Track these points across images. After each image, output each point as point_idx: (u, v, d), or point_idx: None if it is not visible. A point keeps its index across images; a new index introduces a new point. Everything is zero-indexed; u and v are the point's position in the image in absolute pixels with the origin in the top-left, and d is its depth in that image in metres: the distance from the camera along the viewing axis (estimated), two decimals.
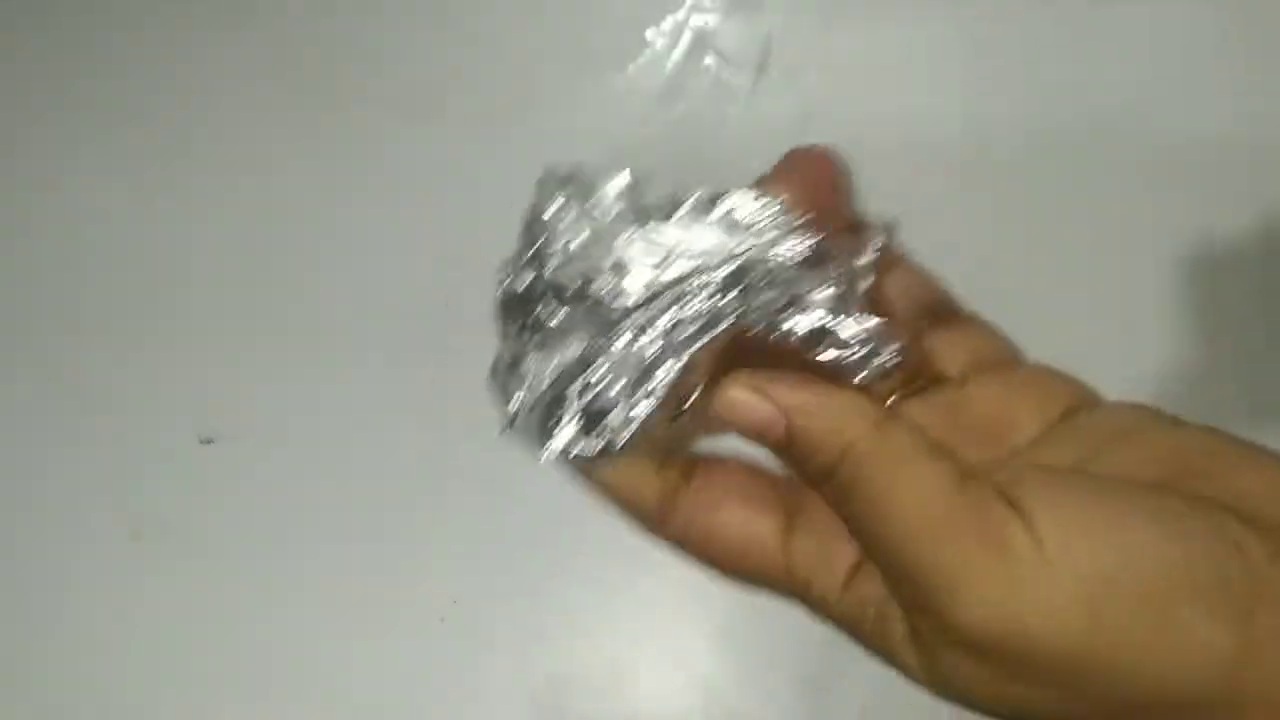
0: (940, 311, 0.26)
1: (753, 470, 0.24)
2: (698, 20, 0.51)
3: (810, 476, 0.22)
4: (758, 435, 0.21)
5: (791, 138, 0.53)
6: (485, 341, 0.50)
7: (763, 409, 0.21)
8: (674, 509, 0.24)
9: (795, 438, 0.21)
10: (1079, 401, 0.24)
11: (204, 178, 0.50)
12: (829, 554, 0.23)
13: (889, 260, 0.24)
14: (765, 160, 0.54)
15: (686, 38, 0.51)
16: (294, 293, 0.49)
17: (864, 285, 0.22)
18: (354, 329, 0.48)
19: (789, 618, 0.45)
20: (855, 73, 0.50)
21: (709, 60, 0.50)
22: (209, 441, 0.47)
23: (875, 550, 0.21)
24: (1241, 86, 0.49)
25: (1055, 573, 0.19)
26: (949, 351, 0.25)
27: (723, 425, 0.22)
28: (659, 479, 0.24)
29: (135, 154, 0.51)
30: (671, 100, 0.50)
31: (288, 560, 0.46)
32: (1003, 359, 0.26)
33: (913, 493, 0.20)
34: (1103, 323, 0.45)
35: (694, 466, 0.24)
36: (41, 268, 0.50)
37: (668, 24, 0.51)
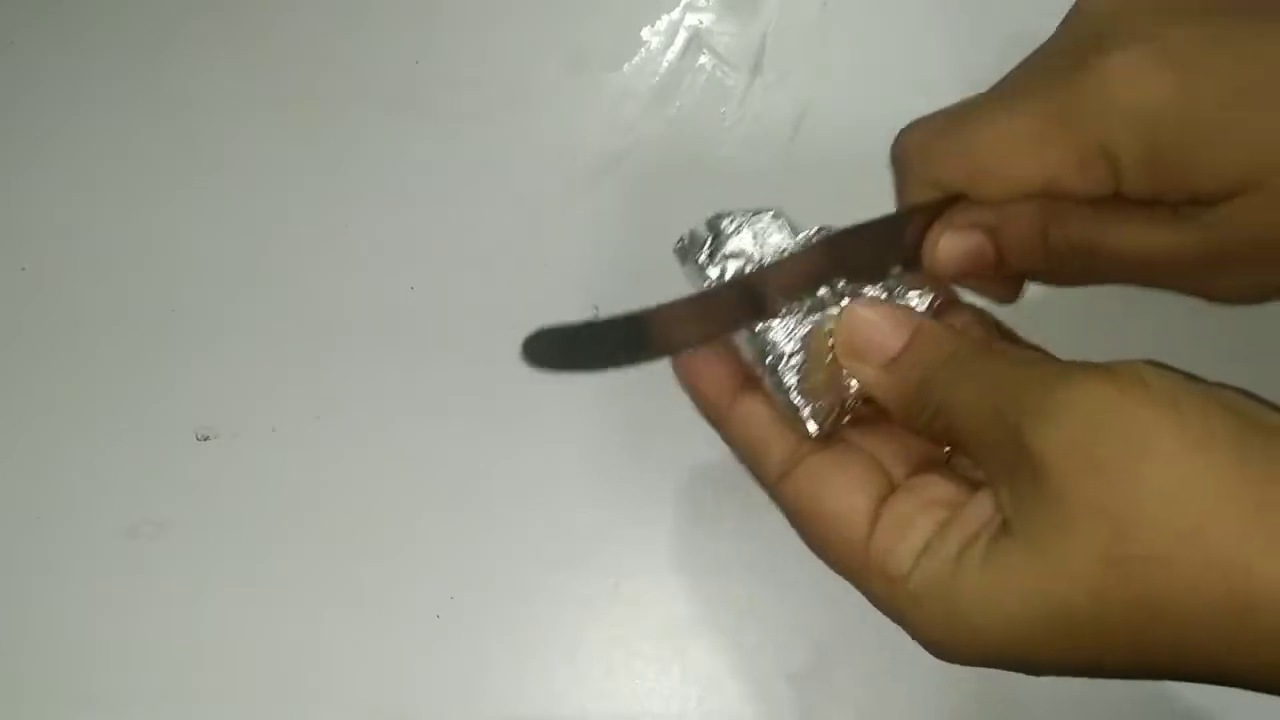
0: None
1: (871, 455, 0.27)
2: (692, 19, 0.51)
3: None
4: None
5: (786, 137, 0.53)
6: (485, 339, 0.50)
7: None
8: (791, 475, 0.26)
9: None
10: None
11: (202, 177, 0.51)
12: (915, 518, 0.24)
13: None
14: (759, 159, 0.54)
15: (681, 37, 0.51)
16: (292, 290, 0.49)
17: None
18: (353, 326, 0.48)
19: (787, 615, 0.45)
20: (850, 73, 0.50)
21: (704, 59, 0.50)
22: (206, 438, 0.47)
23: None
24: None
25: None
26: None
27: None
28: (787, 440, 0.26)
29: (133, 154, 0.51)
30: (666, 99, 0.50)
31: (284, 557, 0.46)
32: None
33: None
34: (1100, 318, 0.46)
35: (829, 442, 0.26)
36: (40, 266, 0.50)
37: (663, 23, 0.51)
